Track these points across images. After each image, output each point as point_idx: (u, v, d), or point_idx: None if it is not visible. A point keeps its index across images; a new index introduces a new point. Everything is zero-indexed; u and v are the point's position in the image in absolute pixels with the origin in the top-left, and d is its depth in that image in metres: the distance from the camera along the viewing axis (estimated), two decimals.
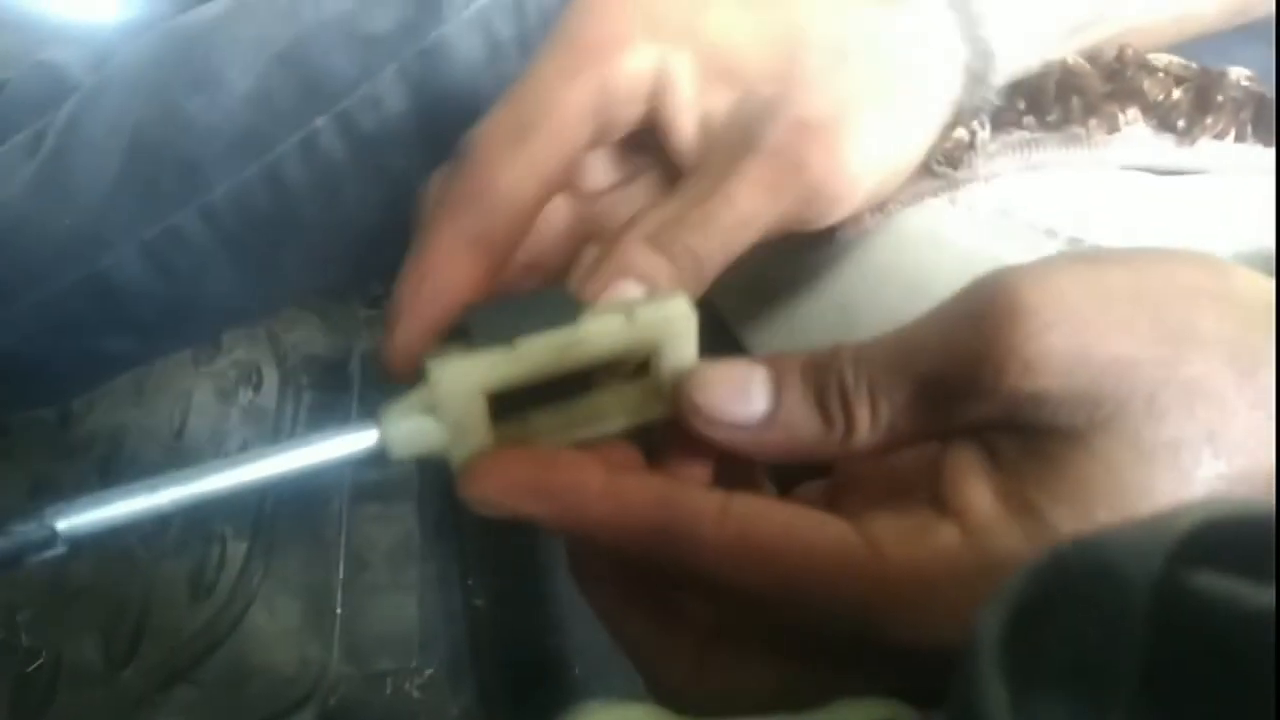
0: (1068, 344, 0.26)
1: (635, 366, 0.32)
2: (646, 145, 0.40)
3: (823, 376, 0.29)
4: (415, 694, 0.54)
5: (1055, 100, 0.45)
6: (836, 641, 0.29)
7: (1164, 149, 0.47)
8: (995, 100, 0.42)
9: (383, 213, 0.66)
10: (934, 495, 0.29)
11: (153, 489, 0.28)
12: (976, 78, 0.41)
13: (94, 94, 0.63)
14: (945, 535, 0.28)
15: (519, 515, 0.29)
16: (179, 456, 0.62)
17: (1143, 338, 0.26)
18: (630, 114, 0.37)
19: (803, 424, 0.29)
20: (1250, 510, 0.17)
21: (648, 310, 0.30)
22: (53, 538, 0.27)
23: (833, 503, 0.33)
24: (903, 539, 0.28)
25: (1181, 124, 0.47)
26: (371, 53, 0.59)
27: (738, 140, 0.35)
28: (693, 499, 0.28)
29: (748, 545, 0.28)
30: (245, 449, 0.62)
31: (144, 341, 0.68)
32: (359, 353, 0.73)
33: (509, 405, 0.31)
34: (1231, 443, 0.26)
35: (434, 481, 0.62)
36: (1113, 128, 0.46)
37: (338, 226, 0.63)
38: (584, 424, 0.31)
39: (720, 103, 0.37)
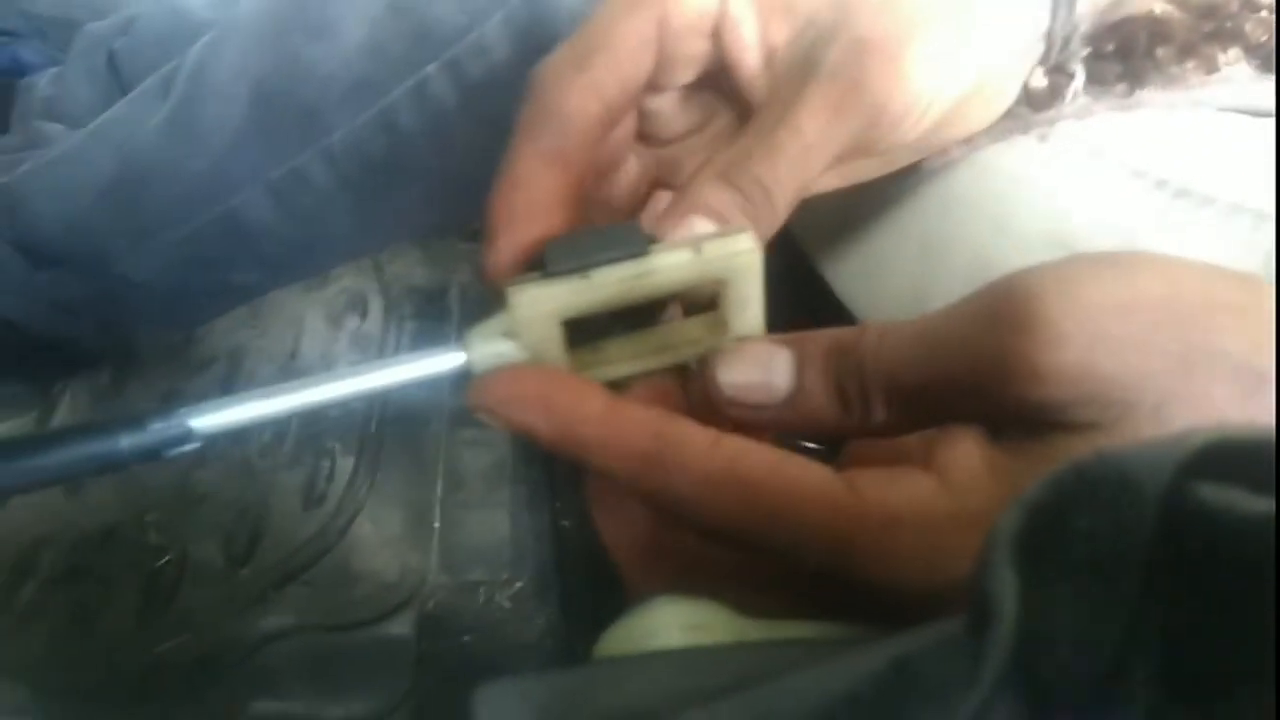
0: (1080, 357, 0.26)
1: (708, 302, 0.33)
2: (719, 90, 0.41)
3: (843, 363, 0.30)
4: (505, 603, 0.57)
5: (1145, 54, 0.45)
6: (815, 587, 0.30)
7: (1265, 91, 0.46)
8: (1083, 27, 0.42)
9: (490, 156, 0.68)
10: (924, 456, 0.30)
11: (269, 395, 0.31)
12: (1064, 3, 0.40)
13: (217, 43, 0.66)
14: (921, 482, 0.28)
15: (517, 427, 0.30)
16: (293, 375, 0.66)
17: (1158, 352, 0.26)
18: (694, 50, 0.38)
19: (821, 408, 0.30)
20: (1254, 432, 0.18)
21: (715, 245, 0.31)
22: (188, 434, 0.30)
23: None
24: (879, 482, 0.28)
25: None
26: (478, 1, 0.61)
27: (799, 69, 0.36)
28: (686, 430, 0.29)
29: (734, 477, 0.28)
30: None
31: (268, 274, 0.72)
32: (457, 284, 0.76)
33: (586, 335, 0.33)
34: None
35: None
36: (1211, 69, 0.46)
37: (448, 169, 0.66)
38: (654, 354, 0.33)
39: (783, 36, 0.38)
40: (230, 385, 0.67)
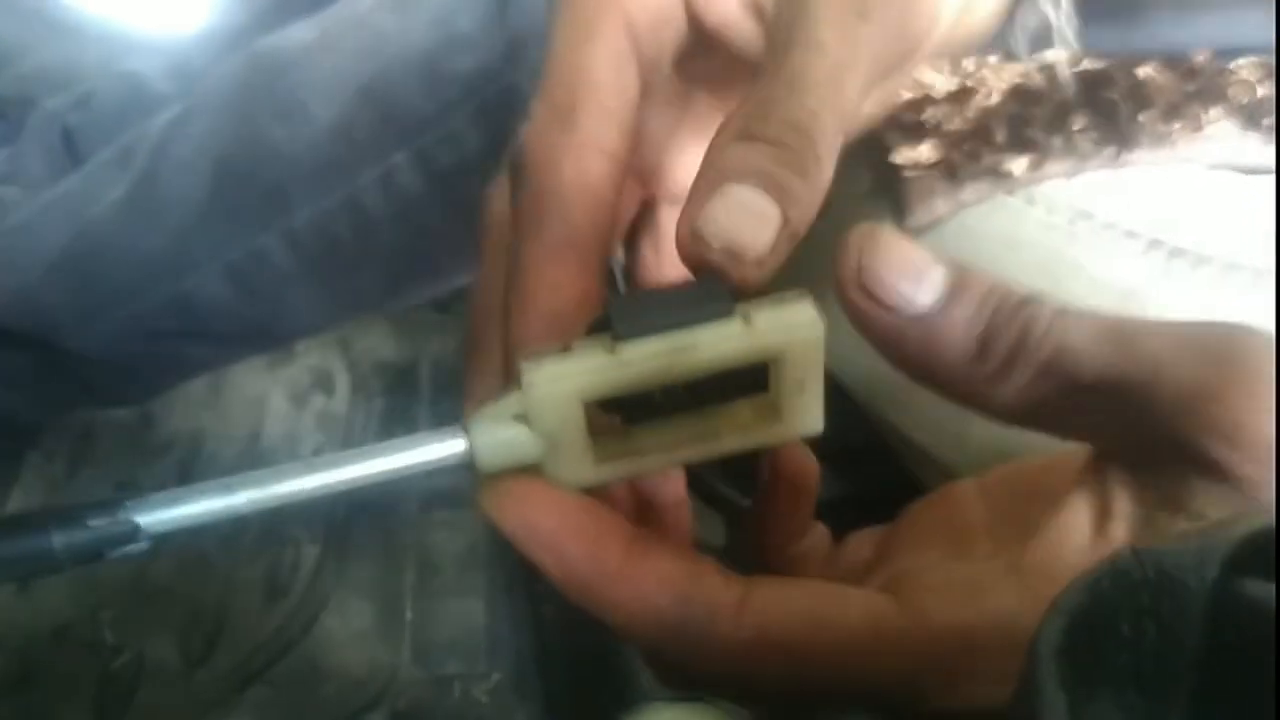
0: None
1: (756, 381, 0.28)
2: (687, 75, 0.36)
3: (1008, 313, 0.25)
4: (483, 699, 0.54)
5: (1130, 119, 0.44)
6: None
7: (1250, 146, 0.46)
8: None
9: (460, 239, 0.67)
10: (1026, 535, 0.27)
11: (231, 490, 0.27)
12: None
13: (182, 119, 0.65)
14: (1001, 593, 0.25)
15: (525, 556, 0.27)
16: (255, 459, 0.64)
17: None
18: (669, 35, 0.33)
19: (956, 344, 0.26)
20: None
21: (768, 316, 0.26)
22: (134, 532, 0.26)
23: (884, 553, 0.31)
24: (948, 597, 0.26)
25: (1267, 122, 0.46)
26: (451, 92, 0.60)
27: None
28: (710, 592, 0.26)
29: (770, 645, 0.25)
30: (319, 453, 0.64)
31: (223, 349, 0.70)
32: (428, 358, 0.74)
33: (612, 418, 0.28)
34: None
35: None
36: (1196, 128, 0.45)
37: (415, 252, 0.64)
38: (691, 445, 0.29)
39: None
40: (189, 470, 0.65)
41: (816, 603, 0.26)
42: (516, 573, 0.61)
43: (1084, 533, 0.26)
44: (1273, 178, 0.45)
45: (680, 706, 0.32)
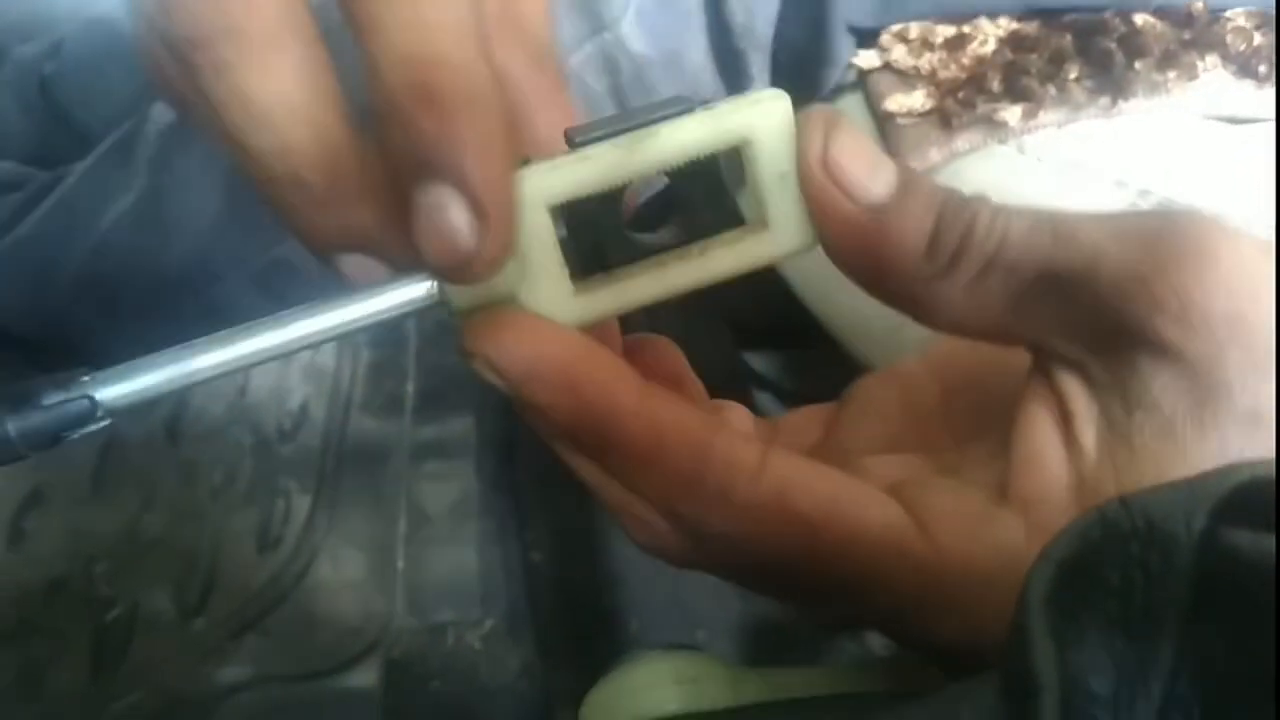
0: (1231, 310, 0.23)
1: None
2: None
3: (951, 207, 0.26)
4: (476, 645, 0.55)
5: (1125, 67, 0.44)
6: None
7: (1244, 95, 0.46)
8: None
9: None
10: (997, 478, 0.27)
11: (191, 354, 0.26)
12: None
13: (183, 130, 0.63)
14: (1008, 528, 0.26)
15: (520, 396, 0.25)
16: (243, 413, 0.64)
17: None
18: None
19: (907, 236, 0.26)
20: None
21: (734, 104, 0.26)
22: (92, 410, 0.25)
23: (835, 431, 0.31)
24: (961, 529, 0.25)
25: (1263, 70, 0.46)
26: None
27: None
28: (730, 449, 0.25)
29: (785, 512, 0.25)
30: (305, 407, 0.64)
31: None
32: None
33: (590, 252, 0.27)
34: None
35: (492, 437, 0.63)
36: (1192, 76, 0.45)
37: None
38: (678, 269, 0.27)
39: None
40: (177, 428, 0.64)
41: (838, 489, 0.26)
42: (508, 521, 0.61)
43: (1056, 446, 0.26)
44: (1262, 126, 0.45)
45: (673, 656, 0.32)
